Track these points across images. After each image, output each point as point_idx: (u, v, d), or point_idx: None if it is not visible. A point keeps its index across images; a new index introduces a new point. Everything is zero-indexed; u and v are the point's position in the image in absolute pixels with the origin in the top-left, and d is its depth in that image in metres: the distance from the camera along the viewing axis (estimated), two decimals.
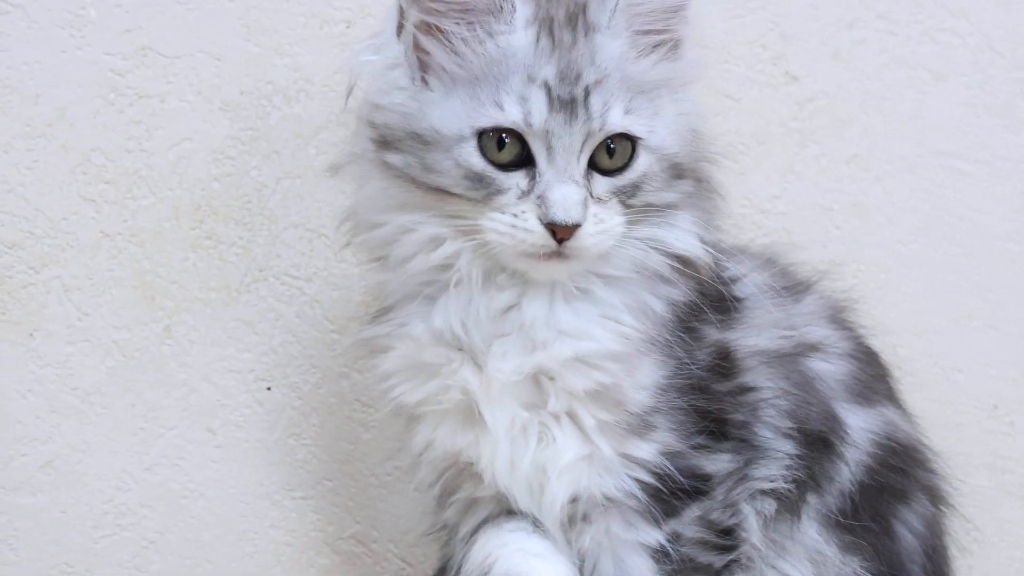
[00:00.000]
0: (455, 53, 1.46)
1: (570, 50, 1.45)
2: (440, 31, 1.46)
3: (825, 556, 1.52)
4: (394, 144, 1.46)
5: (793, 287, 1.60)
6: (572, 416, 1.49)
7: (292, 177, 1.90)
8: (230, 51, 1.88)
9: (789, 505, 1.52)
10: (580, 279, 1.48)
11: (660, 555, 1.50)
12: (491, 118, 1.44)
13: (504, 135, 1.43)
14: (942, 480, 1.64)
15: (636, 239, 1.48)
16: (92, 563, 1.91)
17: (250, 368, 1.92)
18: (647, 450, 1.49)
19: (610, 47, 1.46)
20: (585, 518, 1.52)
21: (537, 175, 1.44)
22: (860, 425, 1.56)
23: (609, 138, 1.45)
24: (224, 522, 1.93)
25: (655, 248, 1.49)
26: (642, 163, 1.47)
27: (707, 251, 1.50)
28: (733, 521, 1.51)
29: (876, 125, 1.96)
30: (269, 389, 1.92)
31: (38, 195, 1.87)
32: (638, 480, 1.49)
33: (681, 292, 1.50)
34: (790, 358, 1.54)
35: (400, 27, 1.48)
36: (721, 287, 1.52)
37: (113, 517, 1.92)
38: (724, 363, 1.52)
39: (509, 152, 1.44)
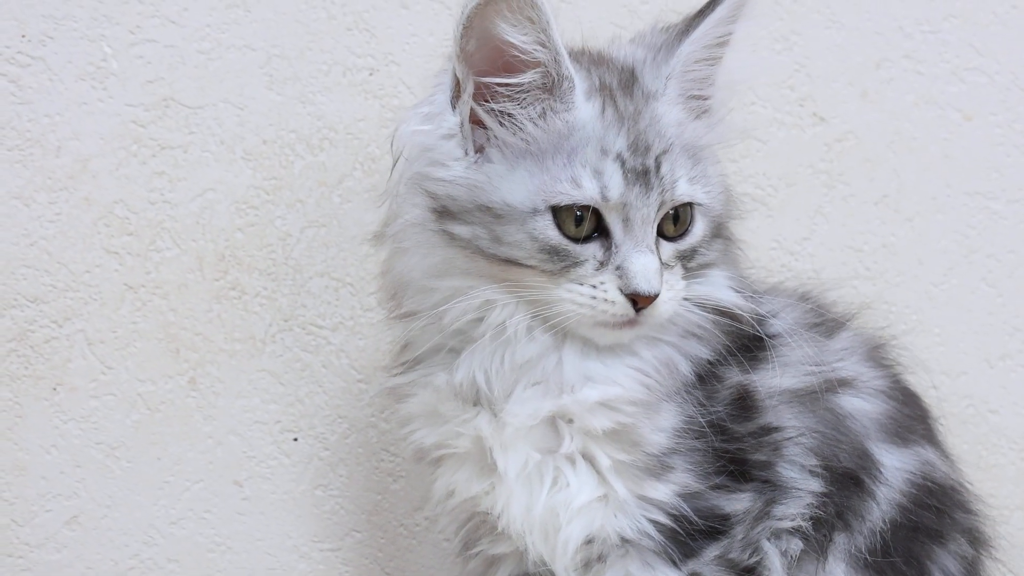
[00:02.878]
0: (517, 127, 1.45)
1: (635, 120, 1.46)
2: (499, 105, 1.46)
3: None
4: (459, 215, 1.45)
5: (826, 323, 1.59)
6: (587, 457, 1.48)
7: (317, 226, 1.88)
8: (252, 100, 1.87)
9: (815, 544, 1.50)
10: None
11: None
12: (568, 195, 1.43)
13: (580, 210, 1.43)
14: (983, 522, 1.61)
15: (687, 300, 1.48)
16: None
17: (276, 419, 1.91)
18: (663, 491, 1.47)
19: (670, 114, 1.48)
20: (601, 559, 1.50)
21: (613, 246, 1.44)
22: (895, 464, 1.53)
23: (683, 204, 1.47)
24: (252, 575, 1.91)
25: (702, 305, 1.49)
26: (699, 227, 1.49)
27: (748, 301, 1.50)
28: (754, 560, 1.49)
29: (905, 166, 1.95)
30: (296, 440, 1.91)
31: (61, 248, 1.86)
32: (654, 521, 1.47)
33: (710, 350, 1.50)
34: (818, 395, 1.53)
35: (455, 98, 1.47)
36: (753, 327, 1.51)
37: (140, 572, 1.90)
38: (744, 404, 1.50)
39: (586, 226, 1.44)
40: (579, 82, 1.46)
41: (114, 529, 1.90)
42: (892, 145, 1.94)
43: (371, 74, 1.88)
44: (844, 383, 1.55)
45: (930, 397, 1.67)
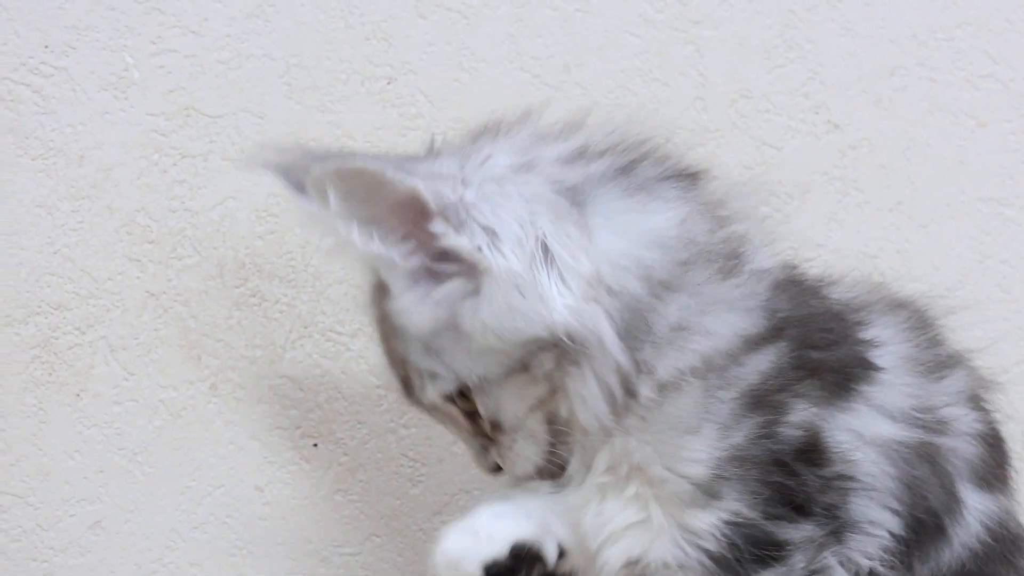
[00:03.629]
0: None
1: (384, 323, 1.46)
2: None
3: None
4: None
5: (940, 362, 1.51)
6: (623, 482, 1.44)
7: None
8: (272, 109, 1.88)
9: None
10: None
11: None
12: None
13: None
14: None
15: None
16: None
17: (296, 425, 1.92)
18: (707, 520, 1.39)
19: (392, 308, 1.43)
20: None
21: None
22: (976, 506, 1.47)
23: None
24: None
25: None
26: (480, 403, 1.45)
27: (611, 408, 1.41)
28: None
29: (920, 172, 1.95)
30: (316, 445, 1.92)
31: (83, 256, 1.88)
32: (701, 548, 1.40)
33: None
34: (917, 447, 1.45)
35: None
36: (853, 353, 1.44)
37: None
38: (812, 452, 1.41)
39: None
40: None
41: (136, 534, 1.91)
42: (906, 152, 1.95)
43: (389, 83, 1.89)
44: (947, 428, 1.48)
45: None
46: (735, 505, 1.39)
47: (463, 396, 1.41)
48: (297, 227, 1.88)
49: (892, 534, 1.43)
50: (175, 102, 1.88)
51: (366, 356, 1.91)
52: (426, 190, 1.35)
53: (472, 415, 1.43)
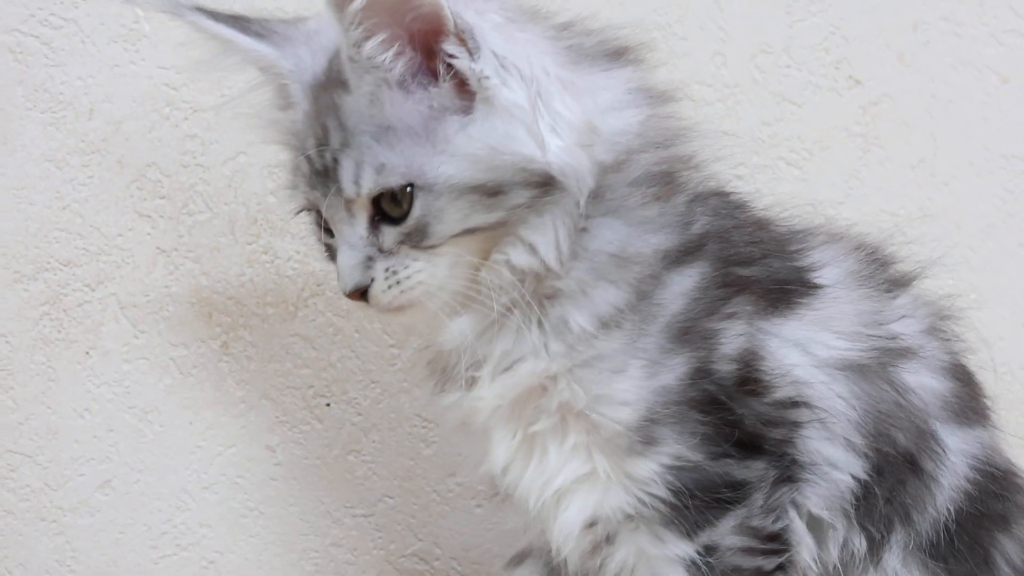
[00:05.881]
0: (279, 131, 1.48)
1: (325, 115, 1.40)
2: None
3: None
4: None
5: (889, 280, 1.51)
6: (561, 430, 1.43)
7: None
8: None
9: (870, 539, 1.43)
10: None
11: (696, 568, 1.40)
12: (293, 197, 1.45)
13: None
14: None
15: (478, 269, 1.41)
16: None
17: (309, 384, 1.90)
18: (648, 467, 1.39)
19: (353, 100, 1.39)
20: (609, 540, 1.43)
21: None
22: (959, 447, 1.46)
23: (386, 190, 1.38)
24: (284, 540, 1.91)
25: (506, 268, 1.41)
26: (419, 206, 1.37)
27: (558, 256, 1.40)
28: (779, 526, 1.41)
29: (942, 129, 1.93)
30: (328, 405, 1.90)
31: (93, 211, 1.86)
32: (652, 495, 1.40)
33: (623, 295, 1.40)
34: (873, 368, 1.44)
35: None
36: (790, 270, 1.45)
37: (172, 537, 1.90)
38: (753, 379, 1.41)
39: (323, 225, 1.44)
40: (301, 77, 1.43)
41: (147, 494, 1.89)
42: (929, 108, 1.93)
43: None
44: (907, 352, 1.47)
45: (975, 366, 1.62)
46: (675, 448, 1.39)
47: (393, 197, 1.38)
48: None
49: (856, 478, 1.42)
50: (186, 55, 1.84)
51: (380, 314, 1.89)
52: (448, 9, 1.36)
53: (377, 222, 1.40)
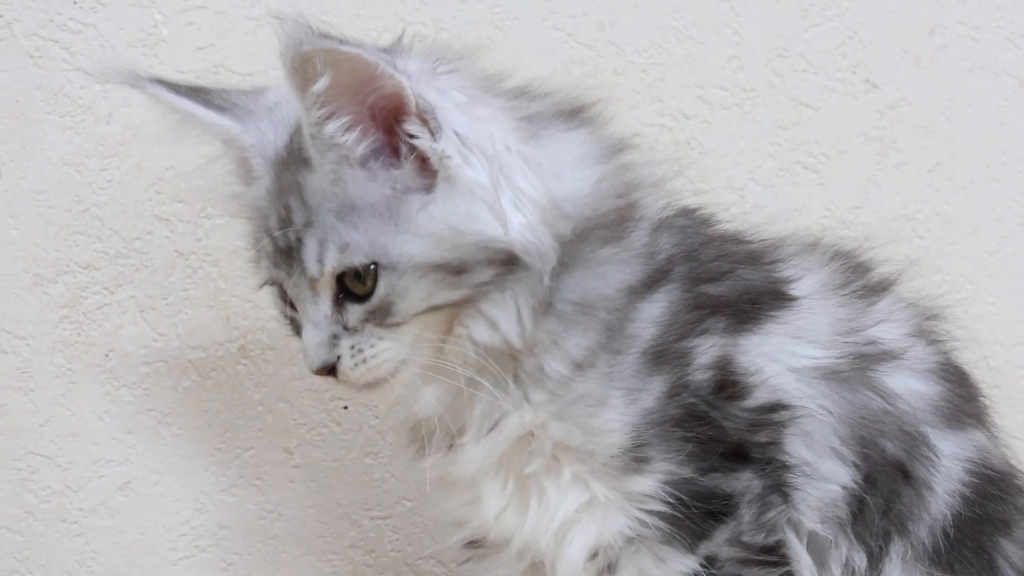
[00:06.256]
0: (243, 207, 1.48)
1: (287, 193, 1.40)
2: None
3: None
4: None
5: (866, 287, 1.51)
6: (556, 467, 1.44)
7: None
8: None
9: (868, 553, 1.44)
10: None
11: None
12: (258, 273, 1.46)
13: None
14: None
15: (444, 342, 1.42)
16: None
17: (326, 387, 1.90)
18: (647, 484, 1.41)
19: (316, 179, 1.39)
20: (611, 568, 1.44)
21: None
22: (953, 451, 1.46)
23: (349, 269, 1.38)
24: (302, 543, 1.92)
25: (469, 342, 1.41)
26: (383, 285, 1.38)
27: (521, 332, 1.40)
28: (772, 539, 1.42)
29: (959, 133, 1.93)
30: (346, 408, 1.91)
31: (112, 215, 1.86)
32: (651, 511, 1.42)
33: (584, 343, 1.41)
34: (848, 374, 1.45)
35: None
36: (762, 283, 1.45)
37: (191, 539, 1.91)
38: (730, 384, 1.42)
39: (286, 300, 1.45)
40: (257, 156, 1.44)
41: (166, 495, 1.90)
42: (946, 112, 1.92)
43: (421, 41, 1.87)
44: (888, 356, 1.47)
45: (984, 369, 1.62)
46: (664, 466, 1.41)
47: (357, 275, 1.38)
48: None
49: (845, 488, 1.42)
50: (205, 60, 1.86)
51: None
52: (410, 90, 1.36)
53: (342, 300, 1.40)
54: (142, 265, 1.87)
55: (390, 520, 1.93)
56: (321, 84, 1.34)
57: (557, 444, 1.42)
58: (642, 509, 1.42)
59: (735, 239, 1.52)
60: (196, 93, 1.48)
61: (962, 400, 1.51)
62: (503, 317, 1.40)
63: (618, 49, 1.89)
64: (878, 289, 1.52)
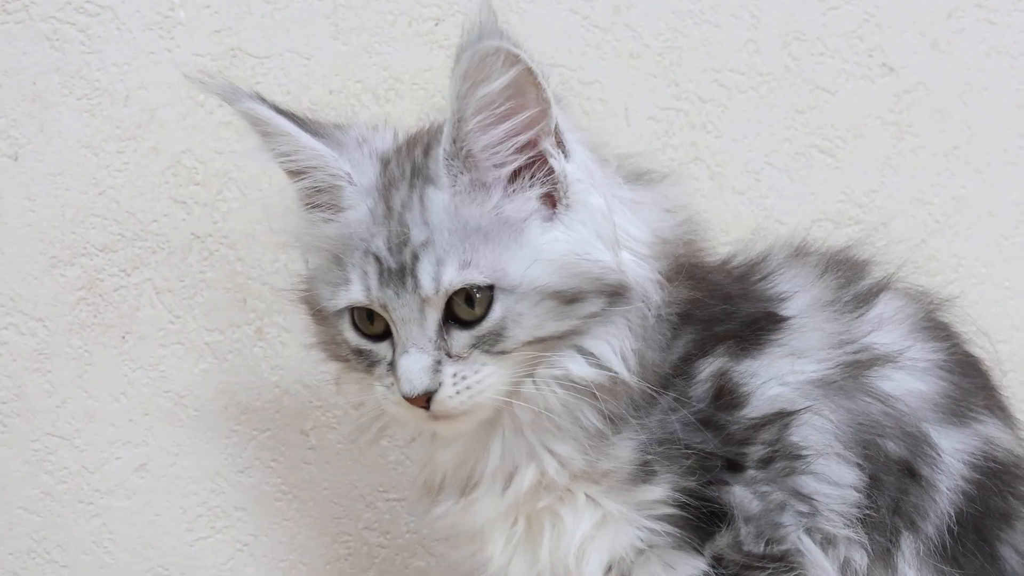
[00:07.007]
0: (317, 232, 1.46)
1: (401, 213, 1.40)
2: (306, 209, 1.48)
3: None
4: (312, 318, 1.49)
5: (857, 295, 1.51)
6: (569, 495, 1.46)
7: None
8: (319, 50, 1.87)
9: (879, 552, 1.44)
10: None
11: None
12: (345, 296, 1.42)
13: (364, 310, 1.42)
14: None
15: (534, 379, 1.41)
16: (186, 566, 1.91)
17: None
18: (658, 491, 1.43)
19: (439, 198, 1.39)
20: None
21: (396, 345, 1.41)
22: (954, 447, 1.46)
23: (461, 290, 1.38)
24: (318, 524, 1.93)
25: (559, 382, 1.42)
26: (499, 308, 1.38)
27: (627, 366, 1.41)
28: (778, 549, 1.43)
29: (976, 116, 1.92)
30: None
31: (129, 198, 1.87)
32: (660, 517, 1.43)
33: (615, 405, 1.42)
34: (843, 381, 1.46)
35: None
36: (758, 311, 1.47)
37: (207, 520, 1.92)
38: (727, 393, 1.44)
39: (377, 324, 1.42)
40: (359, 177, 1.44)
41: (182, 477, 1.91)
42: (963, 96, 1.92)
43: (437, 24, 1.87)
44: (882, 360, 1.47)
45: (999, 353, 1.62)
46: (670, 478, 1.42)
47: (468, 300, 1.38)
48: None
49: (856, 490, 1.43)
50: (221, 43, 1.86)
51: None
52: (554, 107, 1.38)
53: (448, 326, 1.39)
54: (159, 247, 1.88)
55: (405, 502, 1.93)
56: (496, 85, 1.35)
57: (574, 472, 1.44)
58: (652, 516, 1.43)
59: (731, 274, 1.53)
60: (292, 116, 1.47)
61: (968, 391, 1.50)
62: (607, 351, 1.41)
63: (634, 32, 1.89)
64: (871, 296, 1.52)
